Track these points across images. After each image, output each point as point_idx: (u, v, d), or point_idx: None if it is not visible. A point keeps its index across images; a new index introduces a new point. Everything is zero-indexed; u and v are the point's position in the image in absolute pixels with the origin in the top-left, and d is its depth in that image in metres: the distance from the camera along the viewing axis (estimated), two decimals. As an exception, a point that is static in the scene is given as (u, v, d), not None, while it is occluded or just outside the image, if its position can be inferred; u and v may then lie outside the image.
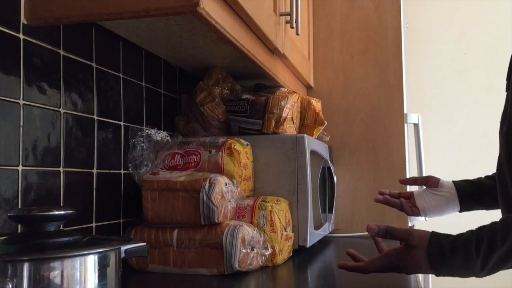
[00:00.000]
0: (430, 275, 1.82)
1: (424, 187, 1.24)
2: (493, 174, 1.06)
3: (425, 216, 1.18)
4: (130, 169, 1.16)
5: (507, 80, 1.02)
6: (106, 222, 1.10)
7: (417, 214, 1.17)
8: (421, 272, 0.84)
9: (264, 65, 1.24)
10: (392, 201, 1.20)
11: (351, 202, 1.77)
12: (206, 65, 1.36)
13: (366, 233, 0.91)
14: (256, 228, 1.08)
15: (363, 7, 1.82)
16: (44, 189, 0.91)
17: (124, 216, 1.17)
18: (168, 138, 1.21)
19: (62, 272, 0.62)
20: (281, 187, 1.24)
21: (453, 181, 1.19)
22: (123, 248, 0.70)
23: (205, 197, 1.02)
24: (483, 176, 1.18)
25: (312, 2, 1.85)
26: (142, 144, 1.17)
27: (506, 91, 1.01)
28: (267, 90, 1.43)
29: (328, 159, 1.57)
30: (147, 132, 1.18)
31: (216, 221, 1.02)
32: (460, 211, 1.16)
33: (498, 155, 1.03)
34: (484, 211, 1.17)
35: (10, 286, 0.59)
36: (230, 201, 1.07)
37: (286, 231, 1.15)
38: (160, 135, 1.20)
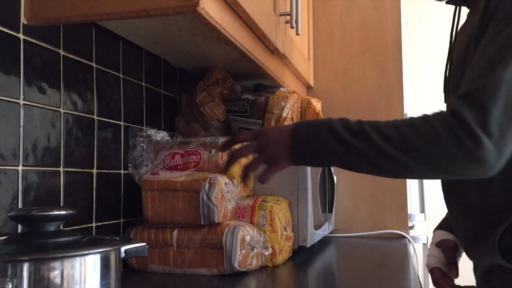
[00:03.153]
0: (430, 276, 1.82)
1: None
2: None
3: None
4: (130, 169, 1.16)
5: (444, 92, 1.00)
6: (106, 222, 1.10)
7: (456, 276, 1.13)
8: (280, 144, 0.84)
9: (264, 65, 1.24)
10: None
11: (351, 202, 1.77)
12: (206, 65, 1.36)
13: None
14: (256, 228, 1.08)
15: (363, 7, 1.82)
16: (44, 189, 0.91)
17: (124, 216, 1.17)
18: (168, 138, 1.21)
19: (62, 272, 0.62)
20: (281, 187, 1.24)
21: (436, 229, 1.18)
22: (123, 248, 0.70)
23: (205, 197, 1.02)
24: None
25: (312, 2, 1.84)
26: (142, 144, 1.17)
27: (445, 102, 1.00)
28: (267, 90, 1.43)
29: (328, 159, 1.57)
30: (147, 132, 1.18)
31: (216, 221, 1.02)
32: None
33: None
34: None
35: (10, 286, 0.59)
36: (230, 201, 1.07)
37: (286, 231, 1.15)
38: (160, 135, 1.20)
